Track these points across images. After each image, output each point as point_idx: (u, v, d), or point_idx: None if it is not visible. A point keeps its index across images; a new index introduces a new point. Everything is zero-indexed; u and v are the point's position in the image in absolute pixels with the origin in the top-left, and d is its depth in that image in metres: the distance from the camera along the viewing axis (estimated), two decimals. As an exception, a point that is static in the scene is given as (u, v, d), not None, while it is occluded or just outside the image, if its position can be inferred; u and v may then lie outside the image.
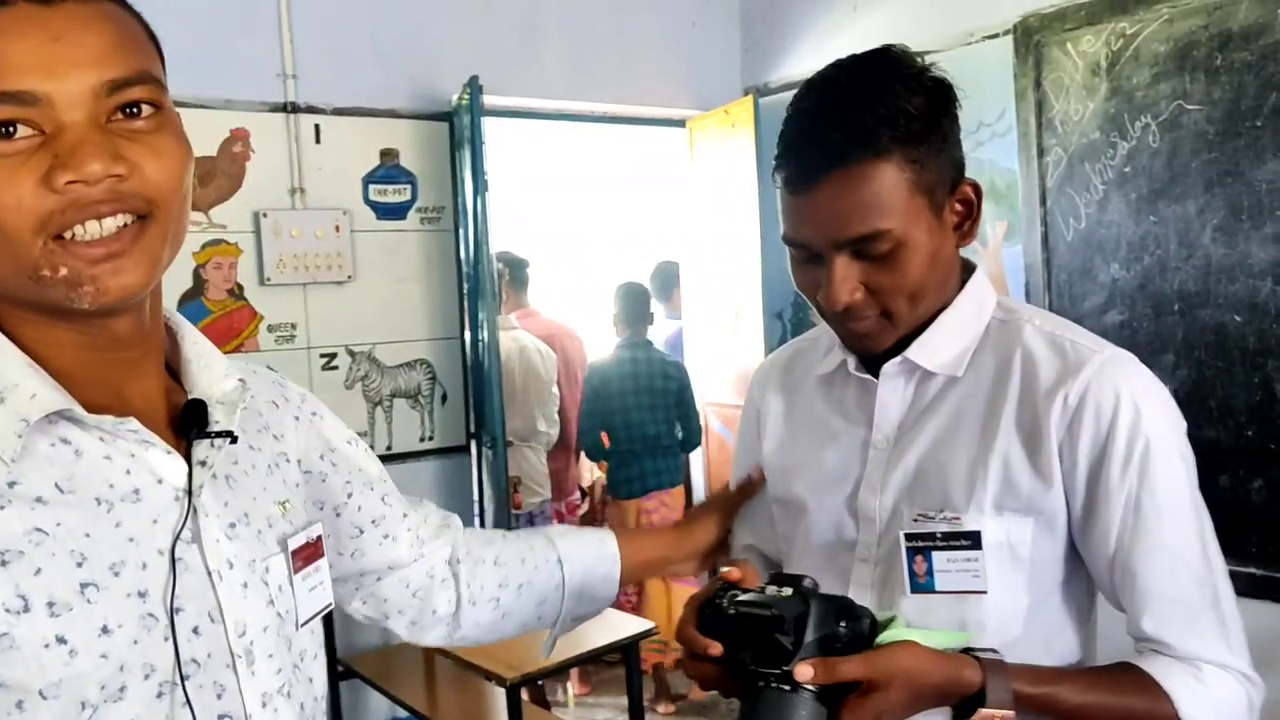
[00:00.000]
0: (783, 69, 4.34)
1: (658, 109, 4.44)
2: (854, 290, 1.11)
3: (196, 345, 0.94)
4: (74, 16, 0.76)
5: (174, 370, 0.94)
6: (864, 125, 1.06)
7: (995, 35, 3.48)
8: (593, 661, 4.08)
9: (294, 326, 3.66)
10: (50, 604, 0.75)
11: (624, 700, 3.19)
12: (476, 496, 3.94)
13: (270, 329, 3.61)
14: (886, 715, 0.98)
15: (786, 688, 0.97)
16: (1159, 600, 1.09)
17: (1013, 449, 1.12)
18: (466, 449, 3.98)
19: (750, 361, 4.20)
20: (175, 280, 3.41)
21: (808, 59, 4.22)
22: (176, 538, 0.83)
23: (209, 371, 0.92)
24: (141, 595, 0.80)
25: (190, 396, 0.90)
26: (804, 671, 0.97)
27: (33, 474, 0.78)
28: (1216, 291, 2.95)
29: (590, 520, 4.99)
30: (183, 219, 0.83)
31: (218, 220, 3.49)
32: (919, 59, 1.14)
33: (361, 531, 1.18)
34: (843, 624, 1.00)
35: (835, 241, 1.09)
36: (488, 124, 3.74)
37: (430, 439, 3.93)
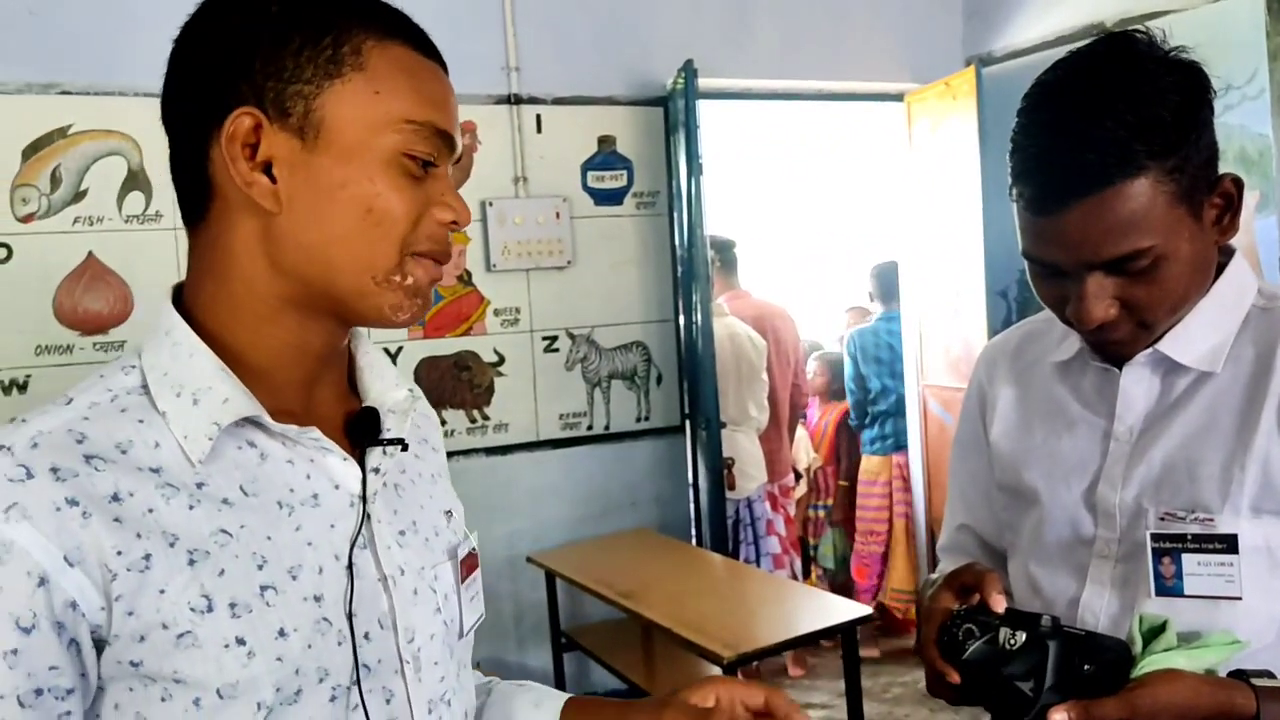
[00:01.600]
0: (1007, 36, 4.15)
1: (874, 84, 4.33)
2: (1109, 308, 1.04)
3: (369, 355, 0.96)
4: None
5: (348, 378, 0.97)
6: (1115, 141, 0.98)
7: (1247, -11, 3.22)
8: (809, 644, 4.07)
9: (518, 310, 3.80)
10: (232, 605, 0.77)
11: (840, 685, 3.17)
12: (691, 478, 4.00)
13: (496, 313, 3.77)
14: None
15: None
16: None
17: (1274, 448, 1.04)
18: (681, 430, 4.03)
19: (972, 343, 4.06)
20: (409, 268, 3.61)
21: (1034, 24, 4.02)
22: (353, 544, 0.84)
23: (381, 380, 0.94)
24: (317, 600, 0.81)
25: (364, 404, 0.92)
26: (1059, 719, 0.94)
27: (219, 476, 0.80)
28: None
29: (816, 500, 4.98)
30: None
31: (447, 210, 3.66)
32: (1163, 40, 1.05)
33: None
34: (1086, 666, 0.97)
35: (1089, 264, 1.03)
36: (702, 106, 3.76)
37: (646, 419, 4.01)
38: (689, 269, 3.85)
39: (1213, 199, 1.05)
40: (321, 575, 0.82)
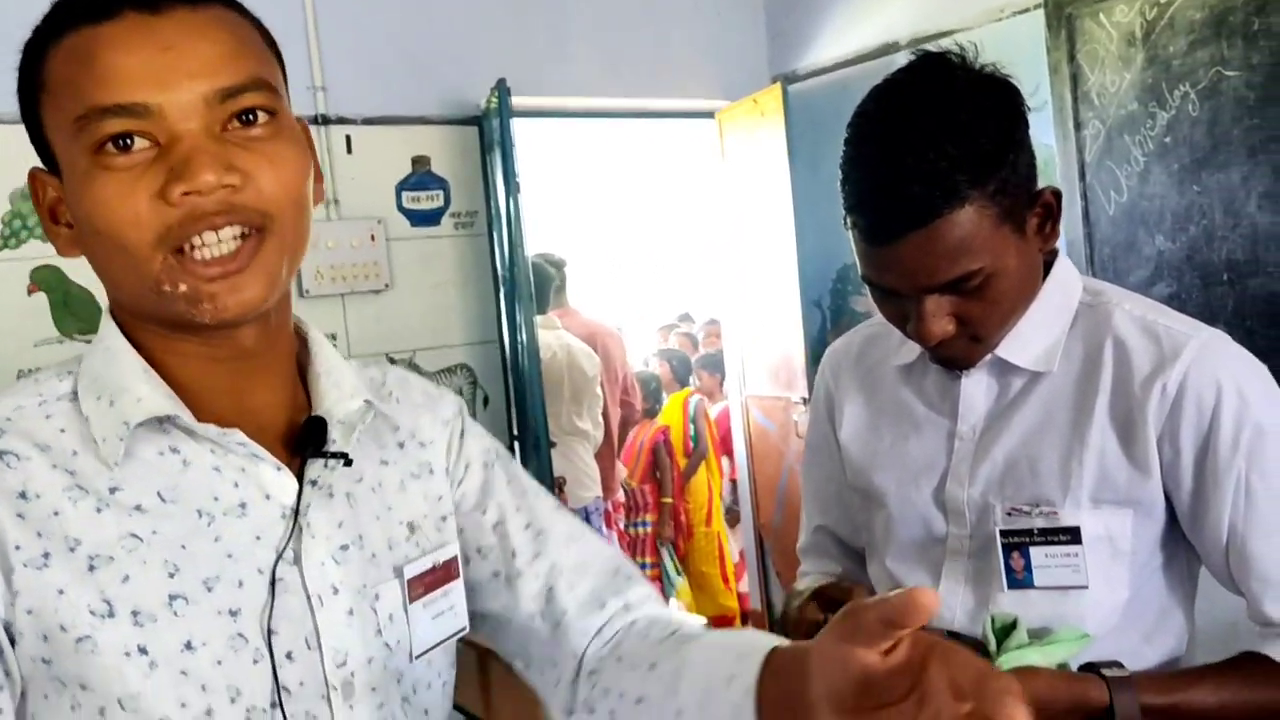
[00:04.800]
0: (810, 55, 4.29)
1: (686, 101, 4.40)
2: (947, 325, 1.09)
3: (328, 361, 0.90)
4: (184, 24, 0.75)
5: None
6: (938, 174, 1.02)
7: (1025, 10, 3.43)
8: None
9: (334, 337, 3.65)
10: (135, 612, 0.74)
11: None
12: (523, 498, 3.94)
13: (312, 341, 3.62)
14: None
15: None
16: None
17: (1108, 441, 1.10)
18: (510, 451, 3.97)
19: (790, 351, 4.17)
20: (216, 297, 3.43)
21: (835, 44, 4.17)
22: (279, 557, 0.79)
23: (336, 389, 0.88)
24: (233, 614, 0.77)
25: (313, 413, 0.86)
26: None
27: (136, 481, 0.77)
28: (1266, 259, 2.90)
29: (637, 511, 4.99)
30: (301, 227, 0.82)
31: (255, 235, 3.50)
32: (975, 57, 1.10)
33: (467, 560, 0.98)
34: None
35: (925, 288, 1.07)
36: (520, 125, 3.72)
37: (474, 443, 3.93)
38: (512, 288, 3.80)
39: (1034, 210, 1.11)
40: (241, 589, 0.78)
